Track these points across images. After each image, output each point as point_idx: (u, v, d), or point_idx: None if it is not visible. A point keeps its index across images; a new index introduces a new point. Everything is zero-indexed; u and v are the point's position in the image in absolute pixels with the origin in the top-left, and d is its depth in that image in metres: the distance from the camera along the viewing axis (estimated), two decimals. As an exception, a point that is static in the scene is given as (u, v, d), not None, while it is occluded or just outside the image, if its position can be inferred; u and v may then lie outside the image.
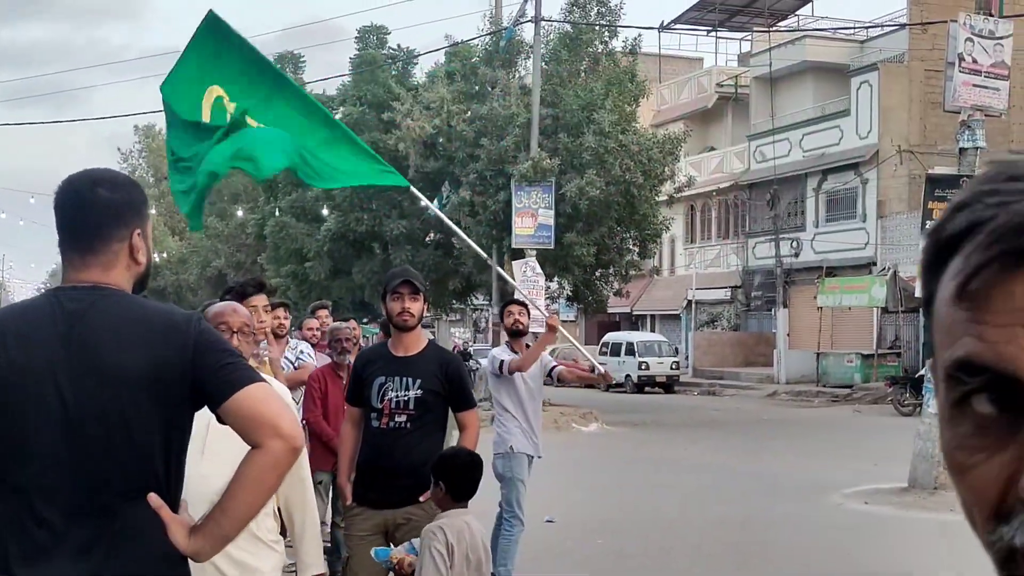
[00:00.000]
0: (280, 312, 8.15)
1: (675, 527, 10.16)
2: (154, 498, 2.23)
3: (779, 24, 39.70)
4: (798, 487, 12.64)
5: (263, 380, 2.37)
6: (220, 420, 2.30)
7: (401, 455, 4.92)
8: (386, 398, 4.98)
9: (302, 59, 34.63)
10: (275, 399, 2.34)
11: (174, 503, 2.29)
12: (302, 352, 8.39)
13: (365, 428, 5.08)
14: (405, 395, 4.97)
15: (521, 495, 7.29)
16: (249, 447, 2.26)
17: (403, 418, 4.97)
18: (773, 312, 35.85)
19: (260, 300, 5.28)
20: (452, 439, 5.63)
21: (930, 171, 13.47)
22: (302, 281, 33.32)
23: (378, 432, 5.00)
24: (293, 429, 2.26)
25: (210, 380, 2.28)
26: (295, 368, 8.02)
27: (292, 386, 7.00)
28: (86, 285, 2.31)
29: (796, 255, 35.13)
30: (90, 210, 2.34)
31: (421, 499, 4.82)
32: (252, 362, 4.77)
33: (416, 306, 5.04)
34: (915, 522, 10.65)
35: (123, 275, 2.36)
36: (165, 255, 62.35)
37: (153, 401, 2.25)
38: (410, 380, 4.99)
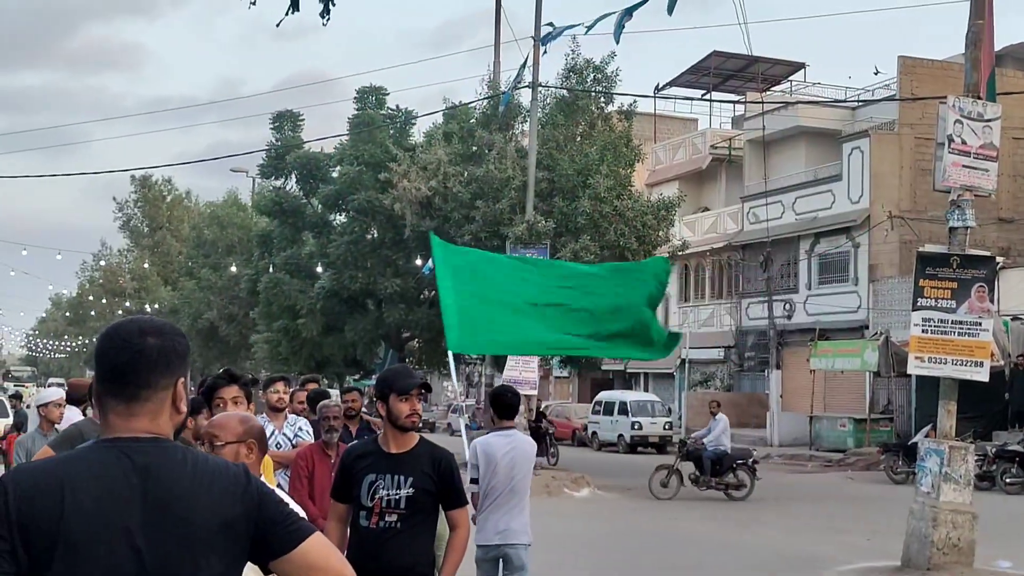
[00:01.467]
0: (280, 386, 8.09)
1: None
2: None
3: (772, 89, 40.18)
4: (790, 563, 12.58)
5: (317, 530, 2.48)
6: (267, 571, 2.40)
7: (391, 556, 4.83)
8: (377, 496, 4.88)
9: (301, 117, 34.88)
10: (335, 549, 2.51)
11: None
12: (300, 429, 8.27)
13: (352, 526, 4.97)
14: (396, 493, 4.87)
15: None
16: None
17: (394, 517, 4.86)
18: (766, 373, 35.89)
19: (229, 392, 5.20)
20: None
21: (921, 248, 13.51)
22: (293, 337, 33.32)
23: (367, 532, 4.89)
24: (352, 574, 2.42)
25: (275, 532, 2.37)
26: (293, 446, 7.92)
27: (278, 466, 6.95)
28: (147, 437, 2.31)
29: (789, 317, 35.24)
30: (138, 358, 2.34)
31: None
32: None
33: (419, 407, 5.01)
34: (908, 604, 10.61)
35: (168, 424, 2.38)
36: (157, 306, 62.37)
37: (219, 555, 2.31)
38: (402, 478, 4.89)
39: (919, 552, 11.72)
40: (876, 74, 56.81)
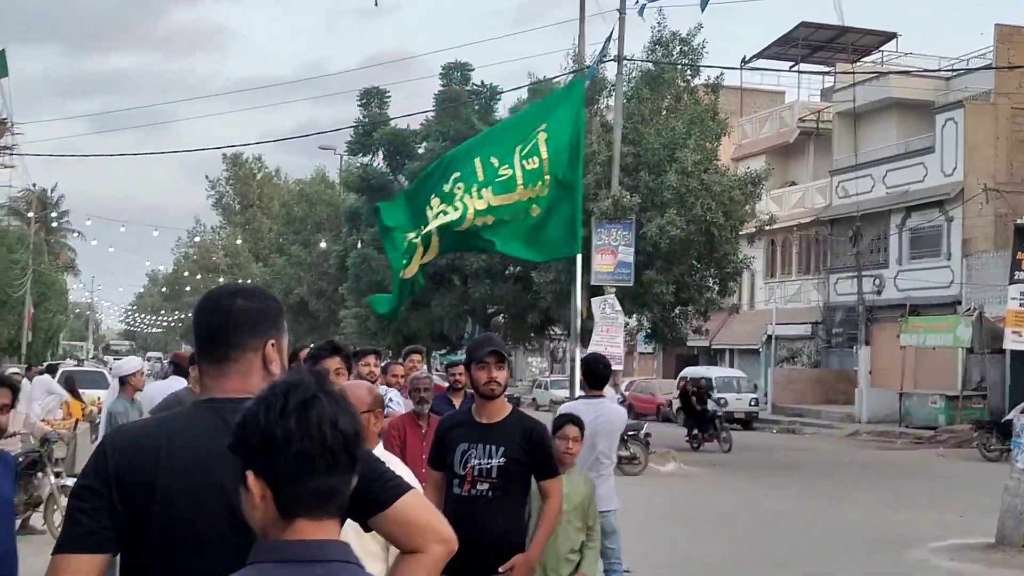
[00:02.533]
0: (371, 359, 8.27)
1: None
2: None
3: (863, 60, 39.34)
4: (881, 540, 12.47)
5: (413, 487, 2.50)
6: (367, 528, 2.41)
7: (482, 524, 4.85)
8: (469, 465, 4.96)
9: (387, 94, 35.20)
10: (432, 506, 2.54)
11: None
12: (390, 400, 8.45)
13: (446, 494, 5.03)
14: (488, 463, 4.94)
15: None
16: (404, 552, 2.41)
17: (485, 486, 4.93)
18: (855, 349, 35.36)
19: (332, 363, 5.18)
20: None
21: (1018, 220, 13.23)
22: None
23: (460, 499, 4.95)
24: (452, 533, 2.42)
25: (373, 489, 2.37)
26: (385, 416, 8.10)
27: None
28: (239, 397, 2.27)
29: (879, 292, 34.65)
30: (227, 318, 2.41)
31: (501, 570, 4.84)
32: None
33: (502, 375, 5.03)
34: (1002, 582, 10.47)
35: (259, 384, 2.34)
36: (249, 281, 63.67)
37: None
38: (493, 448, 4.96)
39: (1014, 529, 11.54)
40: (981, 35, 55.14)
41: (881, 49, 40.28)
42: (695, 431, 24.81)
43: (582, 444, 7.14)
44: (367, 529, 2.45)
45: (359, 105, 35.15)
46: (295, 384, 1.83)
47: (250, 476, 1.82)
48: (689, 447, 24.21)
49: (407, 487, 2.46)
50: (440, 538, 2.39)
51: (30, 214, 57.64)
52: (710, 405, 25.21)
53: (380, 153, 34.66)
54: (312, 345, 6.80)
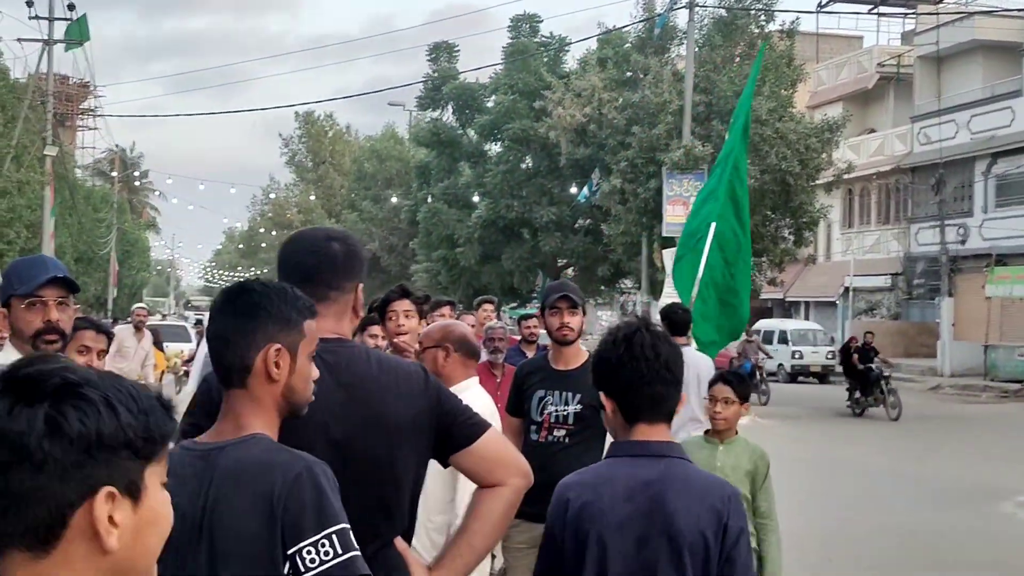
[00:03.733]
0: (446, 310, 8.21)
1: (833, 537, 9.84)
2: (400, 542, 2.45)
3: (946, 0, 38.00)
4: (967, 494, 12.09)
5: (492, 425, 2.61)
6: (446, 464, 2.53)
7: (559, 470, 4.80)
8: (546, 411, 4.99)
9: (456, 48, 35.00)
10: (510, 443, 2.69)
11: (408, 544, 2.51)
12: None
13: (524, 440, 5.06)
14: (564, 409, 4.97)
15: None
16: (484, 486, 2.52)
17: (562, 432, 4.96)
18: (937, 301, 34.49)
19: (402, 305, 5.30)
20: None
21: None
22: (452, 266, 33.82)
23: (537, 445, 4.97)
24: (529, 468, 2.56)
25: (456, 425, 2.50)
26: None
27: None
28: (334, 337, 2.40)
29: (963, 242, 33.68)
30: (327, 261, 2.44)
31: None
32: None
33: (575, 320, 5.03)
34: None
35: (349, 326, 2.49)
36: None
37: (411, 446, 2.43)
38: (570, 395, 4.97)
39: (1109, 484, 11.10)
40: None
41: (965, -11, 38.88)
42: (857, 395, 21.91)
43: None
44: (446, 465, 2.55)
45: (428, 60, 35.04)
46: (624, 324, 2.50)
47: (602, 395, 2.49)
48: (850, 413, 21.71)
49: (487, 424, 2.55)
50: (520, 472, 2.51)
51: (113, 174, 59.20)
52: (875, 365, 21.70)
53: (449, 107, 34.58)
54: None
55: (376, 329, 6.17)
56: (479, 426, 2.52)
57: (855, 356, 21.87)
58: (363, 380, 2.38)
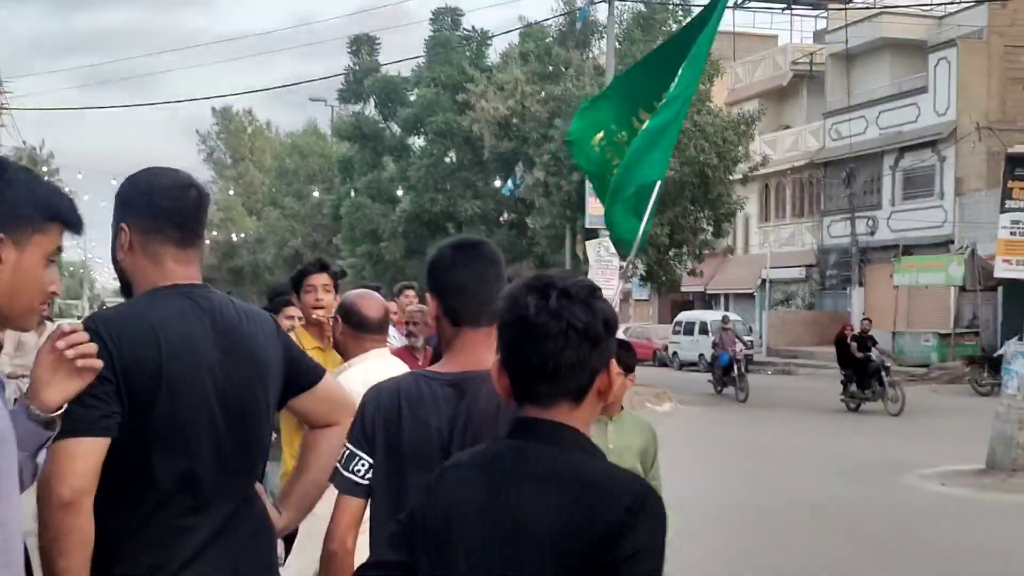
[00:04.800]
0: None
1: (748, 512, 10.28)
2: (257, 485, 2.52)
3: (855, 0, 39.11)
4: (874, 469, 12.69)
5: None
6: (282, 407, 2.59)
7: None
8: None
9: (378, 41, 35.09)
10: (339, 383, 2.78)
11: None
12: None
13: None
14: None
15: None
16: (318, 427, 2.63)
17: None
18: (848, 291, 35.57)
19: (320, 279, 5.13)
20: None
21: (1010, 149, 13.31)
22: (377, 261, 33.87)
23: None
24: (355, 405, 2.57)
25: (301, 369, 2.58)
26: None
27: None
28: (199, 284, 2.42)
29: (872, 233, 34.77)
30: (193, 207, 2.42)
31: None
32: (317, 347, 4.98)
33: None
34: (993, 504, 10.67)
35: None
36: (243, 235, 63.59)
37: (273, 389, 2.48)
38: None
39: (1004, 454, 11.76)
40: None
41: (873, -11, 40.04)
42: (852, 386, 20.17)
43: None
44: (280, 409, 2.59)
45: (349, 52, 35.05)
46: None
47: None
48: (845, 408, 20.07)
49: (323, 369, 2.66)
50: (352, 411, 2.50)
51: (21, 171, 57.46)
52: (874, 354, 19.90)
53: (371, 101, 34.59)
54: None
55: (292, 310, 5.97)
56: (318, 369, 2.63)
57: (853, 345, 20.05)
58: (236, 326, 2.40)
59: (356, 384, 3.57)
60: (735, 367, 22.23)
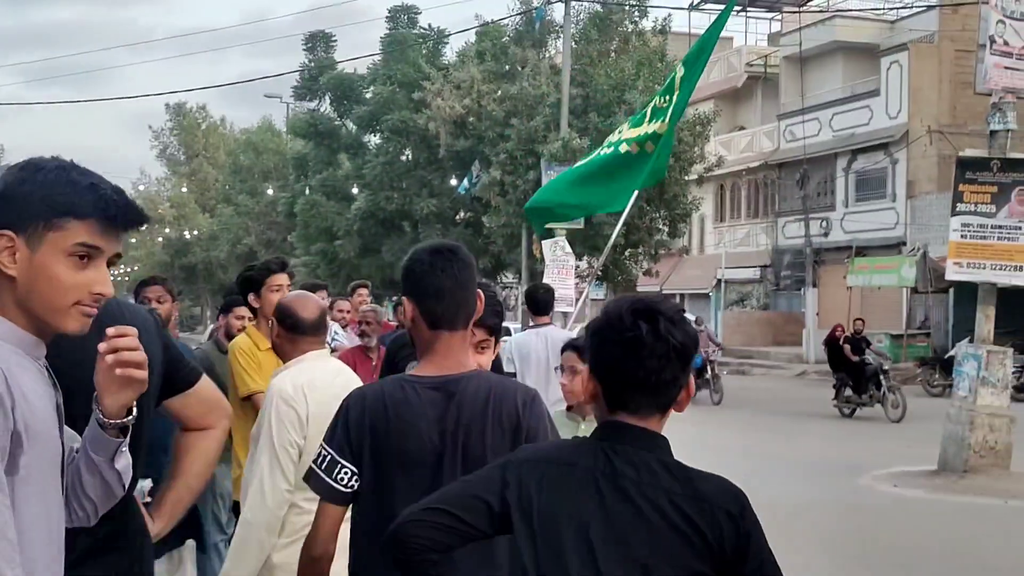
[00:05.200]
0: (320, 294, 8.25)
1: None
2: (136, 491, 2.50)
3: (809, 4, 39.43)
4: (828, 470, 12.72)
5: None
6: (158, 407, 2.54)
7: None
8: None
9: (333, 38, 34.81)
10: (215, 386, 2.74)
11: None
12: (336, 333, 8.44)
13: None
14: None
15: None
16: (192, 429, 2.60)
17: None
18: (802, 291, 35.82)
19: (281, 279, 5.08)
20: None
21: (961, 153, 13.40)
22: (332, 259, 33.62)
23: None
24: (230, 410, 2.65)
25: (179, 371, 2.57)
26: (332, 350, 8.08)
27: None
28: None
29: (826, 235, 35.05)
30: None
31: None
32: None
33: None
34: (944, 505, 10.74)
35: None
36: (196, 232, 62.94)
37: (152, 389, 2.39)
38: None
39: (956, 455, 11.83)
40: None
41: (827, -8, 40.38)
42: (846, 391, 19.10)
43: (532, 373, 7.12)
44: (157, 404, 2.53)
45: (304, 49, 34.75)
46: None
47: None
48: (838, 414, 19.05)
49: (201, 371, 2.66)
50: (228, 415, 2.61)
51: (-33, 167, 56.52)
52: (869, 356, 18.79)
53: (327, 98, 34.34)
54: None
55: (243, 310, 5.86)
56: (196, 371, 2.60)
57: (847, 347, 19.07)
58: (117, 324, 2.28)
59: (287, 386, 3.64)
60: (708, 368, 21.16)
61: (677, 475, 2.04)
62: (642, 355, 2.00)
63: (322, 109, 34.80)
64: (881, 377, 18.30)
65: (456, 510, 2.03)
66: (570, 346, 4.46)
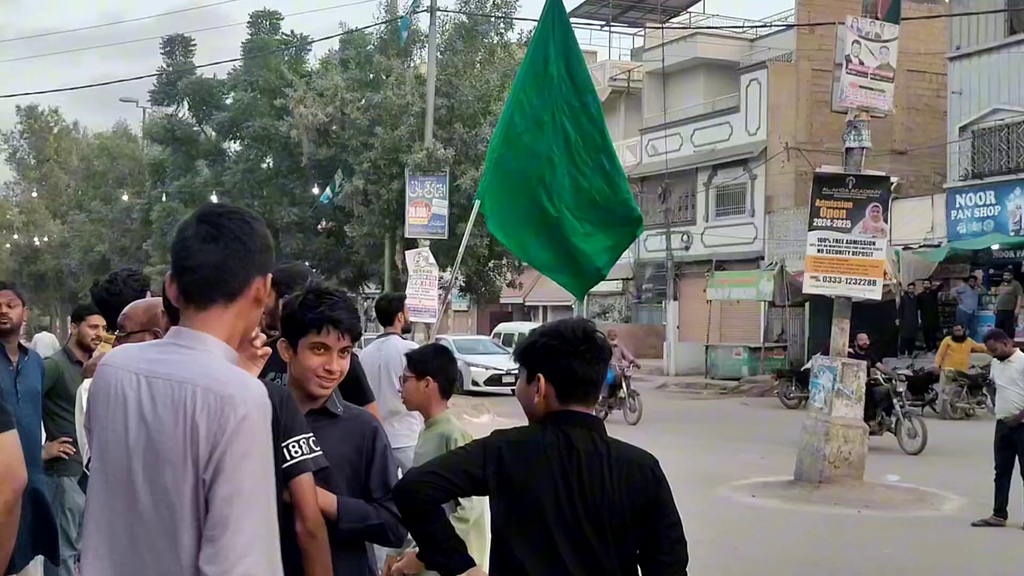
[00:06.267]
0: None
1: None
2: None
3: (672, 20, 40.17)
4: (687, 481, 12.67)
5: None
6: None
7: None
8: None
9: (193, 42, 33.80)
10: (10, 447, 2.44)
11: None
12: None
13: None
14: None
15: None
16: None
17: None
18: (664, 304, 36.32)
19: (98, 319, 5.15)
20: None
21: (817, 169, 13.66)
22: (189, 269, 32.61)
23: None
24: (20, 480, 2.37)
25: None
26: None
27: None
28: None
29: (687, 248, 35.64)
30: None
31: None
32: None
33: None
34: (800, 514, 10.86)
35: None
36: (47, 239, 60.38)
37: None
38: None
39: (811, 466, 11.98)
40: None
41: (689, 10, 41.19)
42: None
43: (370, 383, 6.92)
44: None
45: (163, 53, 33.65)
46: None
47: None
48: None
49: (11, 423, 2.41)
50: (15, 487, 2.34)
51: None
52: (880, 376, 15.90)
53: (185, 103, 33.32)
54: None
55: (96, 319, 5.68)
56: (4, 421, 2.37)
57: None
58: None
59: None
60: (624, 385, 19.71)
61: (611, 446, 2.85)
62: (590, 361, 2.83)
63: (180, 114, 33.77)
64: (895, 401, 15.16)
65: (449, 475, 2.77)
66: (407, 357, 4.54)
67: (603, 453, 2.79)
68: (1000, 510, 10.20)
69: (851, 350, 15.84)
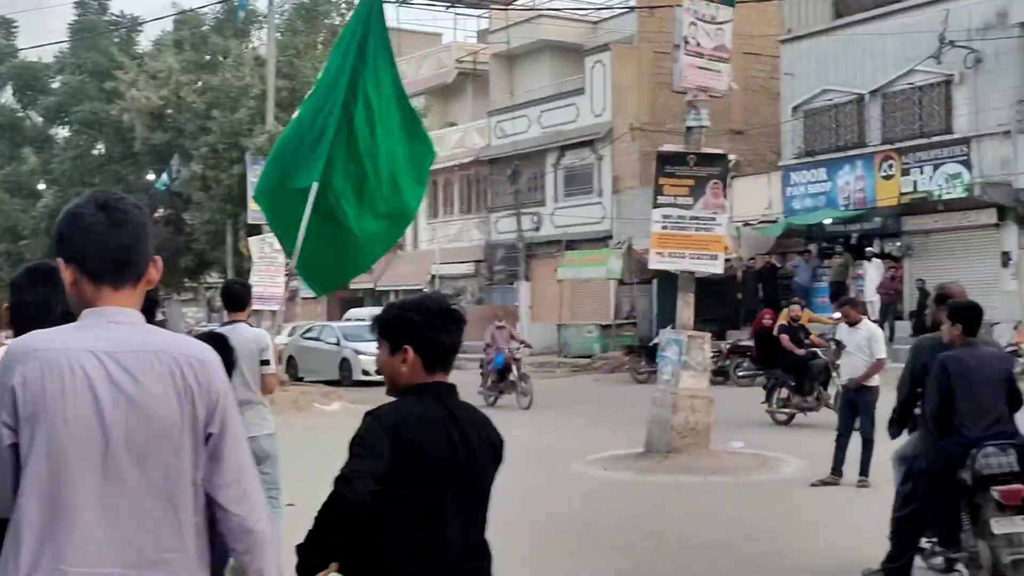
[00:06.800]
0: None
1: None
2: None
3: (516, 2, 40.21)
4: (541, 458, 12.71)
5: None
6: None
7: None
8: None
9: (15, 24, 32.11)
10: None
11: None
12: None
13: None
14: None
15: None
16: None
17: None
18: (516, 285, 36.47)
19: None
20: None
21: (660, 149, 13.86)
22: (17, 260, 30.98)
23: None
24: None
25: None
26: None
27: None
28: None
29: (537, 229, 35.84)
30: None
31: None
32: None
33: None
34: (651, 485, 10.99)
35: None
36: None
37: None
38: None
39: (660, 437, 12.14)
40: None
41: (533, -8, 41.33)
42: (782, 392, 15.47)
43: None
44: None
45: (-18, 35, 31.83)
46: None
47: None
48: (772, 420, 15.51)
49: None
50: None
51: None
52: (819, 350, 15.02)
53: (8, 88, 31.66)
54: None
55: None
56: None
57: (784, 338, 15.39)
58: None
59: None
60: (514, 369, 18.94)
61: (467, 409, 3.19)
62: (452, 332, 3.12)
63: (3, 100, 32.05)
64: (834, 374, 13.43)
65: (378, 466, 2.96)
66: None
67: (471, 419, 3.14)
68: (836, 469, 10.55)
69: (783, 323, 16.06)
